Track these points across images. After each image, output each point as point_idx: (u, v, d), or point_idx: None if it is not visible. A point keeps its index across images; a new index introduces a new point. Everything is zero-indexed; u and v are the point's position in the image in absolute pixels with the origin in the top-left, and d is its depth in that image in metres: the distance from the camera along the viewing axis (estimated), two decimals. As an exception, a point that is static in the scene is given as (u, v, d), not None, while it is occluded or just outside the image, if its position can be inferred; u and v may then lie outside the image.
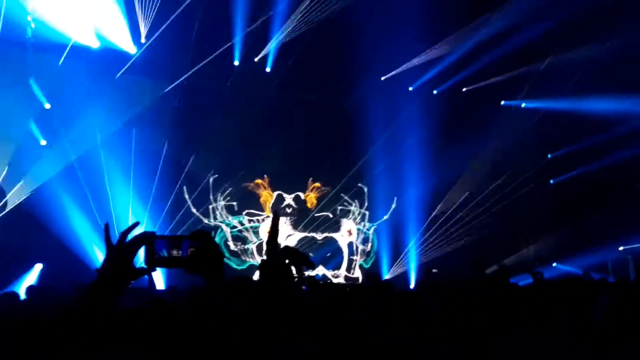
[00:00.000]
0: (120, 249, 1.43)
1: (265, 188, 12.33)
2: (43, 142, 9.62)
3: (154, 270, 1.49)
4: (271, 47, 11.03)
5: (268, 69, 11.55)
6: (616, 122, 11.58)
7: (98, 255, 9.29)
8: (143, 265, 1.48)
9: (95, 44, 9.51)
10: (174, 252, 1.48)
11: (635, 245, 12.15)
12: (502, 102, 13.12)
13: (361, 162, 12.86)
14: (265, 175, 12.32)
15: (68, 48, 9.17)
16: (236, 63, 11.17)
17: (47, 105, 9.44)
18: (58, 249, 9.04)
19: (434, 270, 11.78)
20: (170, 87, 10.51)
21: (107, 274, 1.42)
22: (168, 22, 9.69)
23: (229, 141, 11.30)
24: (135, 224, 1.52)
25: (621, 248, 12.52)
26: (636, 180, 12.19)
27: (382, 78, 12.37)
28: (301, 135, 11.72)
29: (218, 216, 11.86)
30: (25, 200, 9.20)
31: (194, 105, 10.91)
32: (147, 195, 10.30)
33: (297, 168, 12.46)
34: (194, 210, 11.38)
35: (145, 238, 1.46)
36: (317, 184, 12.88)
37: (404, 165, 12.61)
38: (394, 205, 13.12)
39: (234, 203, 12.05)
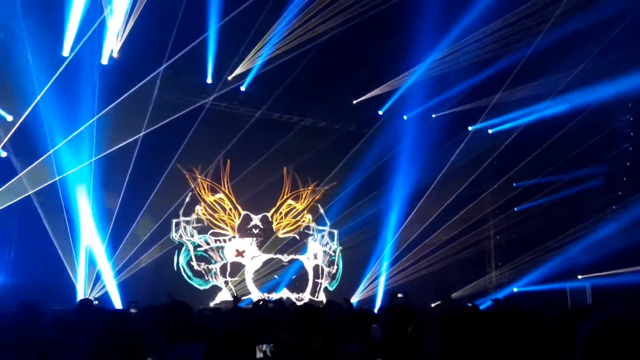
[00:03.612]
0: None
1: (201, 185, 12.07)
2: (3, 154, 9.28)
3: None
4: (248, 65, 10.96)
5: (243, 88, 11.52)
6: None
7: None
8: None
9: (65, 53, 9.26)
10: None
11: (593, 275, 12.44)
12: (470, 128, 13.34)
13: (330, 184, 12.93)
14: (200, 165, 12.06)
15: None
16: (209, 81, 11.06)
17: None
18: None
19: (399, 295, 11.89)
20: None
21: None
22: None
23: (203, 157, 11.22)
24: None
25: (580, 277, 12.80)
26: (594, 212, 12.52)
27: (354, 102, 12.44)
28: (275, 155, 11.70)
29: (183, 234, 11.65)
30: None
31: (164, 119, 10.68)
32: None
33: (269, 189, 12.42)
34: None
35: None
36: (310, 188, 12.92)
37: (373, 188, 12.67)
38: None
39: (202, 218, 11.91)
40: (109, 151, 9.60)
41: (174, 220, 11.62)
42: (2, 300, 8.30)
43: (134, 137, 9.81)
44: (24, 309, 4.57)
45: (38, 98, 8.61)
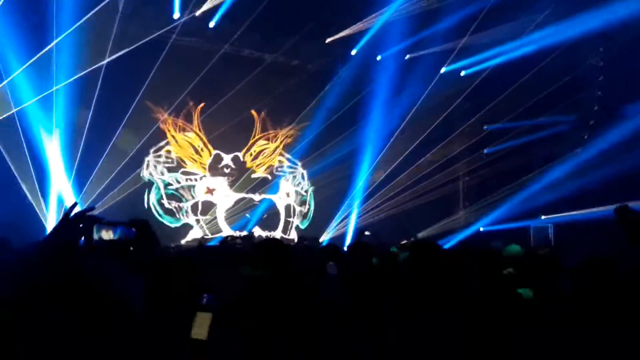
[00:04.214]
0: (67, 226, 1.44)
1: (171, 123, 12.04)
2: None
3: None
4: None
5: (212, 24, 11.23)
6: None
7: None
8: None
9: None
10: (106, 236, 1.53)
11: (556, 215, 12.87)
12: (443, 69, 13.31)
13: (303, 123, 12.95)
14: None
15: None
16: (176, 16, 10.74)
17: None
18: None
19: (366, 233, 12.24)
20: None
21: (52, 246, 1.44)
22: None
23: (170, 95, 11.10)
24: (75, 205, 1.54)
25: (543, 217, 13.25)
26: (560, 154, 12.80)
27: (327, 40, 12.26)
28: (245, 93, 11.60)
29: (153, 172, 11.65)
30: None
31: (131, 56, 10.40)
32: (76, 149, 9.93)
33: (240, 127, 12.39)
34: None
35: (86, 221, 1.47)
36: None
37: (345, 128, 12.71)
38: None
39: (172, 157, 11.91)
40: (69, 80, 9.33)
41: (146, 159, 11.59)
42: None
43: (96, 65, 9.54)
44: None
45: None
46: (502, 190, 13.25)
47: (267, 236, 12.38)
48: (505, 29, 11.61)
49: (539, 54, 11.44)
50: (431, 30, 11.78)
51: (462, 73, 13.27)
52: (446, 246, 11.26)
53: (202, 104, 12.01)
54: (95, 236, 1.49)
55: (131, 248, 1.56)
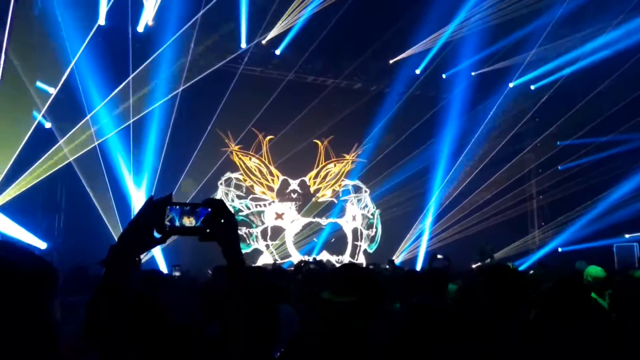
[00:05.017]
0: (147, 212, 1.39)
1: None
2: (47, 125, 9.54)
3: (169, 237, 1.42)
4: (281, 29, 10.83)
5: (278, 52, 11.48)
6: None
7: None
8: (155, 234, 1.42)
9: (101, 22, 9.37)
10: (187, 222, 1.43)
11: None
12: (511, 84, 12.93)
13: (370, 144, 12.87)
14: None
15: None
16: (243, 46, 11.00)
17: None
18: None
19: (438, 256, 11.81)
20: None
21: (128, 238, 1.37)
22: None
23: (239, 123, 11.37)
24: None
25: (627, 235, 12.42)
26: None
27: (391, 61, 12.20)
28: (310, 118, 11.71)
29: (224, 199, 11.84)
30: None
31: (201, 86, 10.70)
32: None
33: (306, 152, 12.48)
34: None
35: (160, 204, 1.41)
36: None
37: (410, 149, 12.52)
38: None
39: (242, 185, 12.09)
40: (144, 112, 9.70)
41: (218, 188, 11.83)
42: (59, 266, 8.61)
43: (170, 96, 9.89)
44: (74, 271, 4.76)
45: (72, 65, 8.74)
46: (579, 208, 12.56)
47: (336, 261, 12.24)
48: (574, 39, 11.23)
49: (612, 63, 10.94)
50: (497, 46, 11.54)
51: (532, 87, 12.83)
52: (521, 268, 10.82)
53: (270, 137, 12.18)
54: (177, 223, 1.39)
55: (207, 230, 1.45)
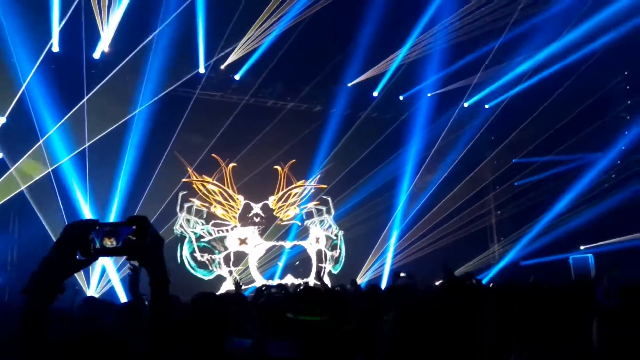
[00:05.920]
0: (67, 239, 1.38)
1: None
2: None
3: (95, 259, 1.44)
4: (240, 53, 10.90)
5: (237, 77, 11.56)
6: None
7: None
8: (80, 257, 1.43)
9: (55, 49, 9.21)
10: (108, 243, 1.43)
11: (597, 244, 12.45)
12: (466, 104, 13.34)
13: (328, 166, 12.95)
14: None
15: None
16: (201, 71, 11.01)
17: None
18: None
19: (401, 274, 11.89)
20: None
21: (48, 264, 1.39)
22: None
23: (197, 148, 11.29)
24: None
25: (582, 247, 12.82)
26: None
27: (349, 84, 12.41)
28: (270, 141, 11.74)
29: (184, 225, 11.66)
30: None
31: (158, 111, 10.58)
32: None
33: (267, 174, 12.45)
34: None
35: (81, 227, 1.40)
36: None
37: (370, 168, 12.70)
38: None
39: (203, 210, 11.93)
40: (99, 136, 9.53)
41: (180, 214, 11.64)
42: (10, 302, 8.25)
43: (125, 119, 9.76)
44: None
45: (21, 90, 8.56)
46: (534, 221, 12.94)
47: (300, 284, 12.16)
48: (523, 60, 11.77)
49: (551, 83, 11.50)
50: (452, 68, 11.94)
51: (486, 106, 13.28)
52: (484, 281, 11.00)
53: (232, 164, 12.12)
54: (98, 245, 1.42)
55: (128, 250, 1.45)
